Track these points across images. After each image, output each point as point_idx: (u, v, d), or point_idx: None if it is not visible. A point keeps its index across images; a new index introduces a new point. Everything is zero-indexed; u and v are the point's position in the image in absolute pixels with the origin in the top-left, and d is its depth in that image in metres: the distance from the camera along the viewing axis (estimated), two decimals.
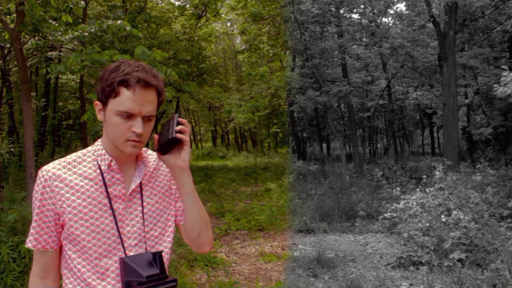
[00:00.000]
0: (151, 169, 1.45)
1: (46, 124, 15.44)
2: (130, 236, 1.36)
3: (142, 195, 1.40)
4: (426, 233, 5.71)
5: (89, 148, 1.41)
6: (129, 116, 1.29)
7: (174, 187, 1.49)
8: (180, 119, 1.38)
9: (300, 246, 6.60)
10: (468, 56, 11.99)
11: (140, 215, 1.38)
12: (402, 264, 5.35)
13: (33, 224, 1.36)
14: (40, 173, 1.35)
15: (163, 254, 1.37)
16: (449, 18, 10.72)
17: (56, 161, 1.38)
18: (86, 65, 4.80)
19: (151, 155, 1.48)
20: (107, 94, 1.30)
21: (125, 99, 1.28)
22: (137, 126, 1.29)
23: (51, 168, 1.35)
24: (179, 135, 1.36)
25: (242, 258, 6.06)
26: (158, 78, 1.35)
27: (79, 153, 1.41)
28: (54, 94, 15.61)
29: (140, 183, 1.40)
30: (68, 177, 1.33)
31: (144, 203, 1.40)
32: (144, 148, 1.47)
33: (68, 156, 1.40)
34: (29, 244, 1.37)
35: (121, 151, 1.34)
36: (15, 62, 9.28)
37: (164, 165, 1.47)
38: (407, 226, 6.03)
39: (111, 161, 1.36)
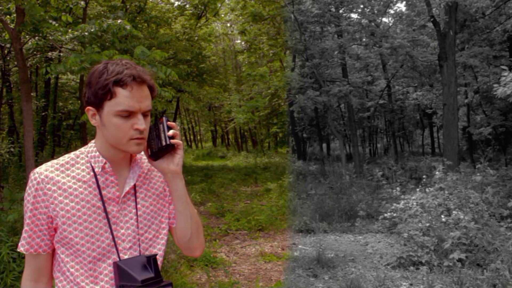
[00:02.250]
0: (145, 170, 1.44)
1: (46, 124, 15.44)
2: (125, 239, 1.34)
3: (136, 197, 1.38)
4: (426, 233, 5.71)
5: (82, 149, 1.39)
6: (129, 114, 1.28)
7: (168, 188, 1.47)
8: (169, 122, 1.36)
9: (300, 246, 6.59)
10: (468, 55, 11.99)
11: (134, 217, 1.37)
12: (402, 264, 5.35)
13: (25, 228, 1.33)
14: (32, 176, 1.32)
15: (157, 257, 1.35)
16: (449, 18, 10.72)
17: (49, 163, 1.36)
18: (86, 66, 4.80)
19: (145, 156, 1.46)
20: (102, 97, 1.27)
21: (123, 98, 1.27)
22: (140, 122, 1.28)
23: (44, 171, 1.32)
24: (173, 141, 1.34)
25: (242, 258, 6.06)
26: (148, 73, 1.34)
27: (71, 154, 1.38)
28: (54, 94, 15.61)
29: (134, 185, 1.39)
30: (61, 180, 1.31)
31: (138, 205, 1.38)
32: None
33: (61, 158, 1.38)
34: (21, 248, 1.35)
35: (124, 151, 1.33)
36: (15, 62, 9.28)
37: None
38: (407, 226, 6.03)
39: (105, 163, 1.34)
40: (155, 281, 1.27)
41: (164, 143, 1.33)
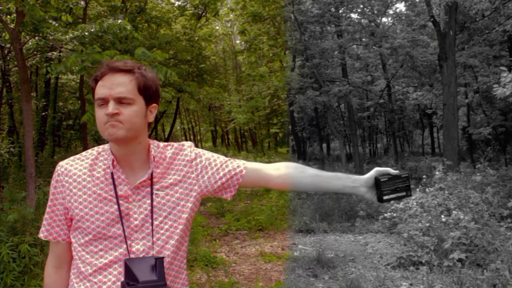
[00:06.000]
0: (165, 164, 1.43)
1: (46, 124, 15.43)
2: (138, 229, 1.36)
3: (152, 189, 1.39)
4: (426, 233, 5.71)
5: (106, 146, 1.44)
6: (103, 103, 1.32)
7: (193, 175, 1.45)
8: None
9: (300, 246, 6.60)
10: (468, 55, 12.00)
11: (149, 208, 1.38)
12: (402, 264, 5.35)
13: (45, 215, 1.43)
14: (56, 167, 1.42)
15: (172, 248, 1.38)
16: (449, 18, 10.72)
17: (72, 157, 1.44)
18: (86, 66, 4.80)
19: (170, 148, 1.47)
20: (93, 95, 1.36)
21: (97, 88, 1.33)
22: (107, 108, 1.31)
23: (64, 164, 1.41)
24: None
25: (242, 258, 6.06)
26: (136, 65, 1.36)
27: (95, 150, 1.44)
28: (54, 94, 15.59)
29: (151, 180, 1.39)
30: (78, 173, 1.38)
31: (154, 196, 1.39)
32: (162, 144, 1.47)
33: (85, 152, 1.45)
34: (41, 235, 1.44)
35: (108, 140, 1.36)
36: (15, 62, 9.27)
37: (181, 155, 1.46)
38: (407, 226, 6.03)
39: (113, 160, 1.38)
40: (156, 284, 1.27)
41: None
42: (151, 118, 1.40)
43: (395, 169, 1.55)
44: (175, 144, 1.50)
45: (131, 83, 1.33)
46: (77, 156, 1.43)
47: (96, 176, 1.37)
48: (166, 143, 1.49)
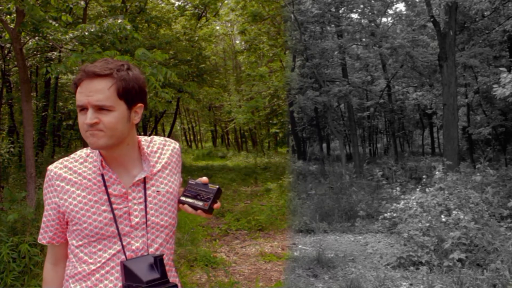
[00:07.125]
0: (155, 158, 1.46)
1: (46, 124, 15.41)
2: (138, 227, 1.38)
3: (145, 189, 1.40)
4: (426, 233, 5.71)
5: None
6: (82, 109, 1.30)
7: (178, 175, 1.51)
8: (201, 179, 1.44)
9: (300, 246, 6.60)
10: (468, 55, 11.99)
11: (150, 205, 1.40)
12: (402, 264, 5.35)
13: (43, 218, 1.46)
14: (47, 172, 1.42)
15: (167, 245, 1.41)
16: (449, 18, 10.71)
17: (61, 160, 1.43)
18: None
19: (161, 144, 1.50)
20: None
21: (77, 94, 1.31)
22: (87, 116, 1.29)
23: (54, 168, 1.40)
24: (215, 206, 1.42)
25: (242, 258, 6.06)
26: (115, 67, 1.31)
27: (83, 152, 1.44)
28: (54, 94, 15.58)
29: (144, 179, 1.41)
30: (68, 176, 1.37)
31: (147, 194, 1.40)
32: (149, 138, 1.49)
33: (74, 154, 1.44)
34: (42, 241, 1.47)
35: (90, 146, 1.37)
36: (15, 62, 9.27)
37: (177, 154, 1.52)
38: (407, 226, 6.03)
39: (101, 161, 1.38)
40: (161, 282, 1.27)
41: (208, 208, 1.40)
42: (137, 119, 1.37)
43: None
44: (168, 140, 1.52)
45: (110, 89, 1.29)
46: (65, 158, 1.42)
47: (88, 178, 1.37)
48: (150, 137, 1.52)
